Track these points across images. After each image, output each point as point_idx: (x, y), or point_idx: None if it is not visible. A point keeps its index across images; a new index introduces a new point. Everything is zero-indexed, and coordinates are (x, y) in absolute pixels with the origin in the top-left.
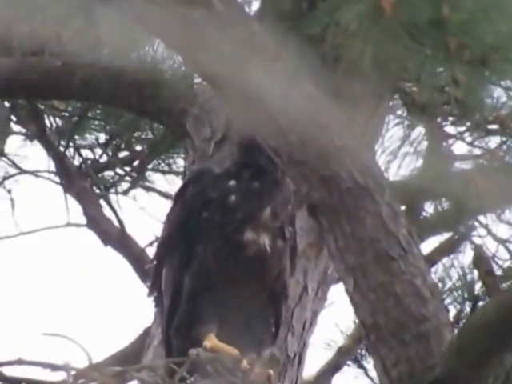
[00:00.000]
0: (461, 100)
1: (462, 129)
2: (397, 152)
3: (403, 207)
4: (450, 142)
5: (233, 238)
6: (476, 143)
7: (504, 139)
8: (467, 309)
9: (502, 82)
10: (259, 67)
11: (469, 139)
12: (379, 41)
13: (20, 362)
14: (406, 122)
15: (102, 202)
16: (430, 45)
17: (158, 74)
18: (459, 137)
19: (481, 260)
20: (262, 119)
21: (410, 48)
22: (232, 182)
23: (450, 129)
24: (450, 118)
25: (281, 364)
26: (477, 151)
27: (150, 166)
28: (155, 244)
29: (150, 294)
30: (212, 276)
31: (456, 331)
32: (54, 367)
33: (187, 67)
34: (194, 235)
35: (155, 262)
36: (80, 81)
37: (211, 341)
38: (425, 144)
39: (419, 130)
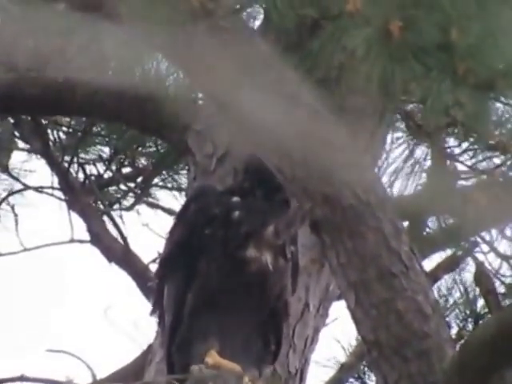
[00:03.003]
0: (463, 122)
1: (465, 145)
2: (400, 169)
3: (406, 223)
4: (453, 160)
5: (235, 255)
6: (479, 158)
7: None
8: (469, 326)
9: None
10: (262, 84)
11: (470, 155)
12: (387, 65)
13: (23, 378)
14: (409, 140)
15: (105, 218)
16: (438, 69)
17: (160, 90)
18: (460, 157)
19: (482, 277)
20: (264, 136)
21: (417, 72)
22: (236, 198)
23: (453, 145)
24: (453, 138)
25: (282, 381)
26: (479, 167)
27: (154, 182)
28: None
29: (152, 312)
30: (214, 292)
31: (457, 348)
32: None
33: (189, 83)
34: (197, 252)
35: (157, 280)
36: (82, 97)
37: (213, 357)
38: (428, 162)
39: (423, 148)
